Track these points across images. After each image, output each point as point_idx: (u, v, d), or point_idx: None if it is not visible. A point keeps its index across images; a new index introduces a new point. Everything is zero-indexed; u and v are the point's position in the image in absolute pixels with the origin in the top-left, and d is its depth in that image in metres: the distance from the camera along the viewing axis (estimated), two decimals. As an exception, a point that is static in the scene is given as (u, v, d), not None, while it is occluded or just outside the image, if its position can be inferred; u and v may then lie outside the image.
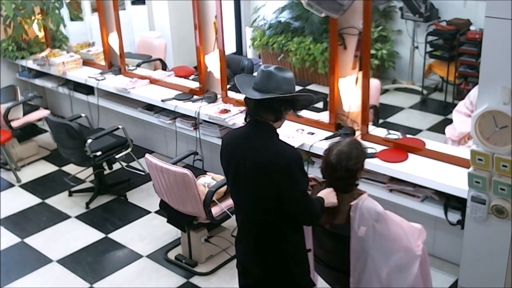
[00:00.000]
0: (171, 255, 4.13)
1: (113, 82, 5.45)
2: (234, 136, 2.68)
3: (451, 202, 3.46)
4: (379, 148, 3.80)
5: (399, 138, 3.89)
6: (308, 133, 4.12)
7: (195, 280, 3.88)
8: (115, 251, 4.26)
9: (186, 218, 3.80)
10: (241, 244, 2.76)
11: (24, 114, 5.62)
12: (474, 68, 5.54)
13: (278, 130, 2.58)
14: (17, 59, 6.24)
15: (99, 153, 4.69)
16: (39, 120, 5.77)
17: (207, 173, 4.08)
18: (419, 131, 5.46)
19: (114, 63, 5.72)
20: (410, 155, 3.70)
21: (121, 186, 5.09)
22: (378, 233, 2.65)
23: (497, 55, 2.62)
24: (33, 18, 6.05)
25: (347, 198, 2.71)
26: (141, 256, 4.17)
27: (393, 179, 3.68)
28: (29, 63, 6.20)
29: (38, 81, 6.29)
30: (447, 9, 6.09)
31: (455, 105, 4.62)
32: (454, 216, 3.46)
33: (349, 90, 3.93)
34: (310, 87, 6.83)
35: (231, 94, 4.78)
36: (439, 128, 5.11)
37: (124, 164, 5.21)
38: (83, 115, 5.29)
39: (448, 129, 4.35)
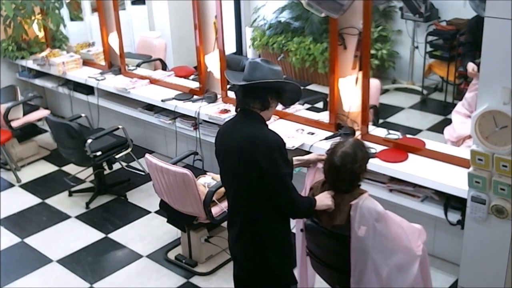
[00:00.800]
0: (171, 255, 4.13)
1: (113, 82, 5.45)
2: (225, 126, 2.80)
3: (451, 202, 3.46)
4: (379, 148, 3.80)
5: (399, 138, 3.89)
6: (308, 133, 4.12)
7: (195, 280, 3.88)
8: (115, 251, 4.27)
9: (186, 218, 3.80)
10: (230, 231, 2.87)
11: (24, 114, 5.62)
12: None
13: (272, 124, 2.65)
14: (17, 59, 6.24)
15: (99, 153, 4.69)
16: (39, 120, 5.77)
17: (207, 173, 4.08)
18: (419, 131, 5.46)
19: (114, 63, 5.72)
20: (410, 155, 3.70)
21: (121, 186, 5.09)
22: (378, 233, 2.65)
23: (497, 55, 2.62)
24: (33, 18, 6.06)
25: (348, 197, 2.71)
26: (141, 256, 4.17)
27: (393, 179, 3.67)
28: (29, 63, 6.20)
29: (38, 81, 6.29)
30: (447, 9, 6.09)
31: (455, 105, 4.63)
32: (454, 216, 3.46)
33: (349, 90, 3.93)
34: (310, 87, 6.83)
35: (231, 94, 4.77)
36: (439, 128, 5.10)
37: (124, 164, 5.21)
38: (83, 115, 5.29)
39: (447, 130, 4.36)
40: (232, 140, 2.67)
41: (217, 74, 4.81)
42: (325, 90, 4.82)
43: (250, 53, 7.69)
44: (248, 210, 2.69)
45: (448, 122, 4.48)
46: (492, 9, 2.58)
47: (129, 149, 4.93)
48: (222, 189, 3.72)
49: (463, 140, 4.14)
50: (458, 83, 5.93)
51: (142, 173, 5.16)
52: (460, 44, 5.61)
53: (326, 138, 3.97)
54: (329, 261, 2.92)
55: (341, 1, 3.40)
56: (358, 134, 3.93)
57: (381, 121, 5.16)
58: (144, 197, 4.91)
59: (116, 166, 5.17)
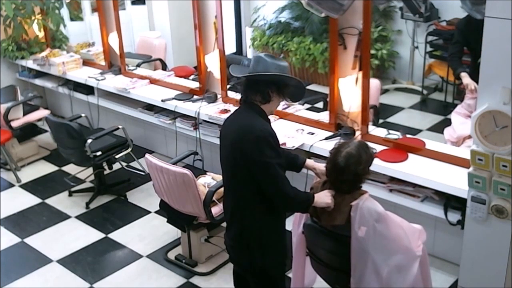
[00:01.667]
0: (171, 255, 4.13)
1: (113, 82, 5.45)
2: (228, 117, 2.85)
3: (451, 202, 3.46)
4: (379, 148, 3.80)
5: (399, 138, 3.88)
6: (308, 133, 4.12)
7: (195, 280, 3.88)
8: (115, 251, 4.27)
9: (186, 218, 3.80)
10: (226, 222, 2.91)
11: (24, 114, 5.62)
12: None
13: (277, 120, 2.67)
14: (17, 59, 6.24)
15: (99, 153, 4.69)
16: (39, 120, 5.77)
17: (207, 173, 4.08)
18: (419, 131, 5.46)
19: (114, 63, 5.72)
20: (410, 155, 3.70)
21: (121, 186, 5.09)
22: (379, 233, 2.65)
23: (497, 55, 2.62)
24: (33, 18, 6.05)
25: (348, 198, 2.71)
26: (141, 256, 4.17)
27: (393, 179, 3.67)
28: (29, 63, 6.20)
29: (38, 81, 6.29)
30: (447, 9, 6.09)
31: (455, 105, 4.63)
32: (454, 216, 3.46)
33: (349, 90, 3.93)
34: (310, 87, 6.82)
35: (231, 94, 4.77)
36: (439, 128, 5.10)
37: (124, 164, 5.21)
38: (83, 115, 5.29)
39: (447, 131, 4.35)
40: (228, 129, 2.75)
41: (217, 74, 4.81)
42: (325, 90, 4.81)
43: (250, 53, 7.68)
44: (236, 200, 2.75)
45: (448, 122, 4.48)
46: (492, 9, 2.58)
47: (129, 149, 4.93)
48: (222, 189, 3.72)
49: (463, 140, 4.14)
50: (458, 83, 5.92)
51: (142, 173, 5.16)
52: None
53: (326, 138, 3.97)
54: (329, 261, 2.93)
55: (341, 1, 3.40)
56: (358, 134, 3.93)
57: (381, 121, 5.16)
58: (144, 197, 4.91)
59: (116, 166, 5.16)
